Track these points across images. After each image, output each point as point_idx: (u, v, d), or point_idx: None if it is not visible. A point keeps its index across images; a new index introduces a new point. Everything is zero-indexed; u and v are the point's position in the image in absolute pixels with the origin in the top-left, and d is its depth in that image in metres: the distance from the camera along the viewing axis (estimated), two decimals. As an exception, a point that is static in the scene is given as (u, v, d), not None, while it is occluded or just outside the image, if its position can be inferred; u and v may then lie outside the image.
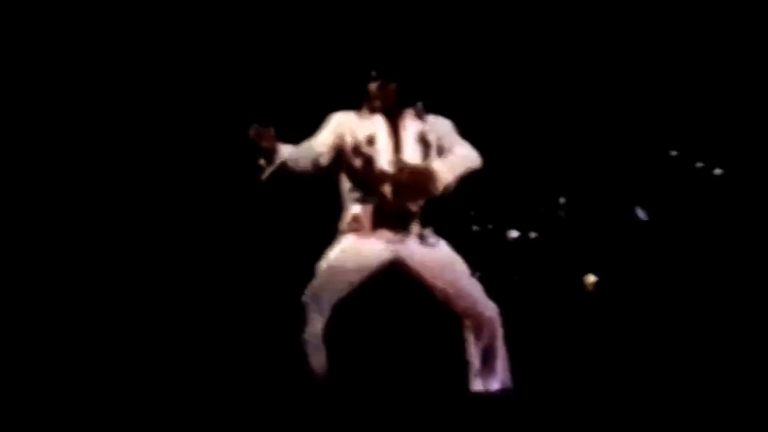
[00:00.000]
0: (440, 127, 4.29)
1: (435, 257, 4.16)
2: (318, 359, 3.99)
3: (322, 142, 4.18)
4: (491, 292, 4.34)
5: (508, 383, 4.19)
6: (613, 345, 5.62)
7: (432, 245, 4.16)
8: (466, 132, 4.39)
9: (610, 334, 5.93)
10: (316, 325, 3.98)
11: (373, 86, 4.22)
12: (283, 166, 4.05)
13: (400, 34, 5.98)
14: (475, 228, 6.83)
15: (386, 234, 4.12)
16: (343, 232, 4.17)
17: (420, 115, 4.25)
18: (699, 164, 6.73)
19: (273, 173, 4.07)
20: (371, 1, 6.17)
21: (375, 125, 4.20)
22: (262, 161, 4.06)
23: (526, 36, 6.56)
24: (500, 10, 6.42)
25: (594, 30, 6.62)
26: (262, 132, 3.99)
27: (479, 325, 4.16)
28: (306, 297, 4.01)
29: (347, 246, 4.12)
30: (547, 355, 5.37)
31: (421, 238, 4.15)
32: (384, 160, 4.14)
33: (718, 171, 6.71)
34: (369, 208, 4.13)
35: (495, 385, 4.16)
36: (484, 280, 4.77)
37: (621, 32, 6.60)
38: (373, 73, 4.22)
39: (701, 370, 4.80)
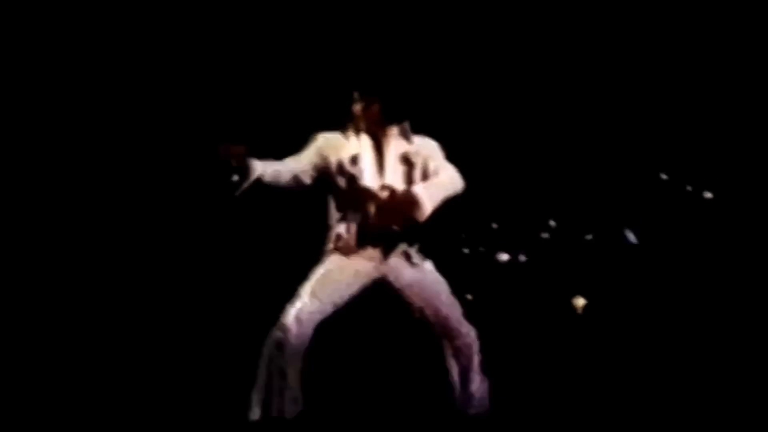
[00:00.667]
0: (426, 148, 4.32)
1: (418, 277, 4.20)
2: (293, 383, 4.01)
3: (304, 160, 4.22)
4: (479, 315, 4.38)
5: (485, 407, 4.24)
6: (602, 368, 5.64)
7: (416, 265, 4.20)
8: (455, 153, 4.43)
9: (599, 357, 5.95)
10: (296, 345, 4.01)
11: (356, 107, 4.27)
12: (259, 182, 4.10)
13: (384, 53, 6.02)
14: (465, 251, 6.85)
15: (371, 253, 4.16)
16: (328, 252, 4.20)
17: (406, 135, 4.29)
18: (689, 188, 6.77)
19: (247, 189, 4.10)
20: (354, 21, 6.22)
21: (359, 145, 4.23)
22: (235, 178, 4.10)
23: (515, 57, 6.60)
24: (488, 30, 6.47)
25: (583, 53, 6.67)
26: (233, 150, 4.04)
27: (457, 346, 4.21)
28: (288, 318, 4.04)
29: (332, 265, 4.14)
30: (536, 377, 5.39)
31: (406, 257, 4.18)
32: (368, 180, 4.18)
33: (708, 195, 6.75)
34: (353, 227, 4.16)
35: (471, 408, 4.21)
36: (474, 303, 4.79)
37: (610, 56, 6.65)
38: (356, 94, 4.27)
39: (689, 391, 4.82)
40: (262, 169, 4.11)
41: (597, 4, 6.50)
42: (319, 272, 4.13)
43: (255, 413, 3.97)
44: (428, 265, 4.24)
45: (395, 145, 4.25)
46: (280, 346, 3.98)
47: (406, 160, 4.24)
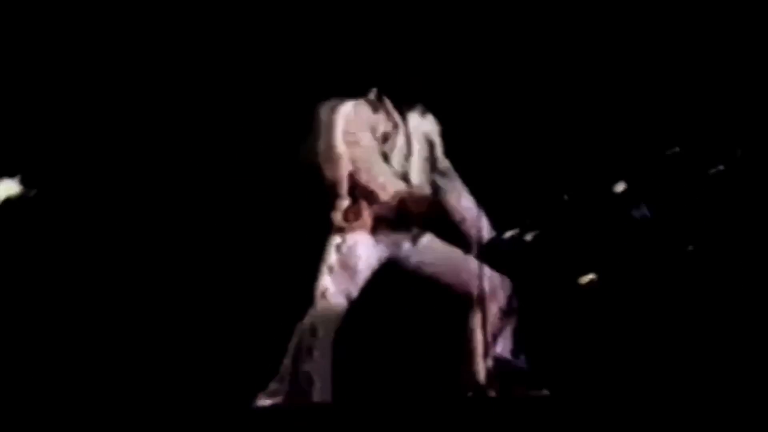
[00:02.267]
0: (435, 127, 4.48)
1: (431, 255, 4.33)
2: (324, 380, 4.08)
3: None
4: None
5: (520, 365, 4.37)
6: (612, 347, 5.69)
7: (427, 243, 4.31)
8: (461, 131, 4.51)
9: (609, 335, 6.00)
10: (327, 330, 4.10)
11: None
12: None
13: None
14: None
15: (383, 232, 4.21)
16: (339, 226, 4.26)
17: (424, 114, 4.39)
18: (700, 161, 6.80)
19: None
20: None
21: (389, 120, 4.30)
22: None
23: (521, 35, 6.65)
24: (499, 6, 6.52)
25: (589, 31, 6.72)
26: None
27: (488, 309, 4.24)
28: (312, 318, 4.13)
29: (348, 247, 4.22)
30: (545, 356, 5.45)
31: (415, 238, 4.24)
32: (396, 162, 4.27)
33: (721, 167, 6.77)
34: (365, 205, 4.24)
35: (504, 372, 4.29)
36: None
37: (617, 34, 6.71)
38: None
39: (700, 372, 4.87)
40: None
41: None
42: (336, 256, 4.23)
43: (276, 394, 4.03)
44: (437, 242, 4.36)
45: (419, 123, 4.35)
46: (313, 331, 4.07)
47: (428, 141, 4.31)
